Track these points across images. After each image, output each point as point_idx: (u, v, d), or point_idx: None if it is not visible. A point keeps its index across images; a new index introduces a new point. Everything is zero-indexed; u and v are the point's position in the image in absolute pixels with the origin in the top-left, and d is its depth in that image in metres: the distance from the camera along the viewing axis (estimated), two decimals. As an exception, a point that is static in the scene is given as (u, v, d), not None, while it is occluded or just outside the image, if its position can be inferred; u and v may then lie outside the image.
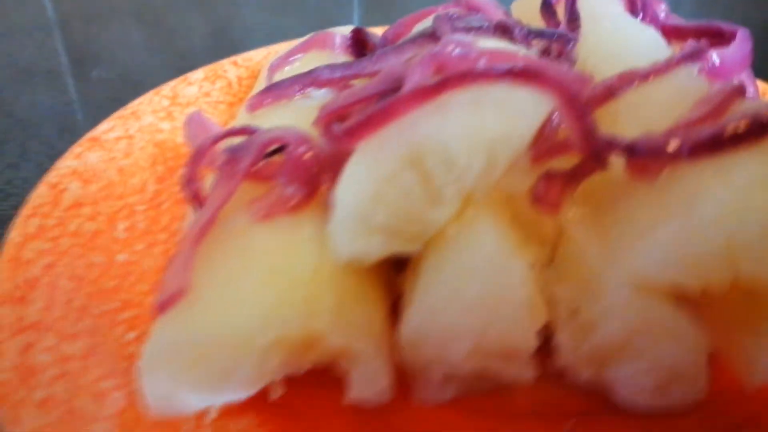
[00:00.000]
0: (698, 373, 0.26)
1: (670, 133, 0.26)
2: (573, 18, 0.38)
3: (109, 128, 0.41)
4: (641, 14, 0.40)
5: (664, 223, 0.23)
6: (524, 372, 0.26)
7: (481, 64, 0.25)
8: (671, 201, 0.24)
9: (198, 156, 0.31)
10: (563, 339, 0.26)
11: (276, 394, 0.26)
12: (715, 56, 0.35)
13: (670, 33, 0.39)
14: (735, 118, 0.25)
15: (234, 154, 0.29)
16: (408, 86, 0.24)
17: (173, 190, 0.39)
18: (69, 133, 0.55)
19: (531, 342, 0.25)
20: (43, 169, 0.37)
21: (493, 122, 0.23)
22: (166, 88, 0.46)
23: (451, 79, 0.24)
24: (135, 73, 0.68)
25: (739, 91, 0.28)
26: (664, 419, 0.27)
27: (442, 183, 0.24)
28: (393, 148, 0.24)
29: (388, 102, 0.23)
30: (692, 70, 0.31)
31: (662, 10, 0.41)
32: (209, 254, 0.27)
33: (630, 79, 0.31)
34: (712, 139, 0.25)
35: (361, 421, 0.27)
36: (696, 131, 0.25)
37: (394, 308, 0.28)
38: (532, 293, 0.25)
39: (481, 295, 0.24)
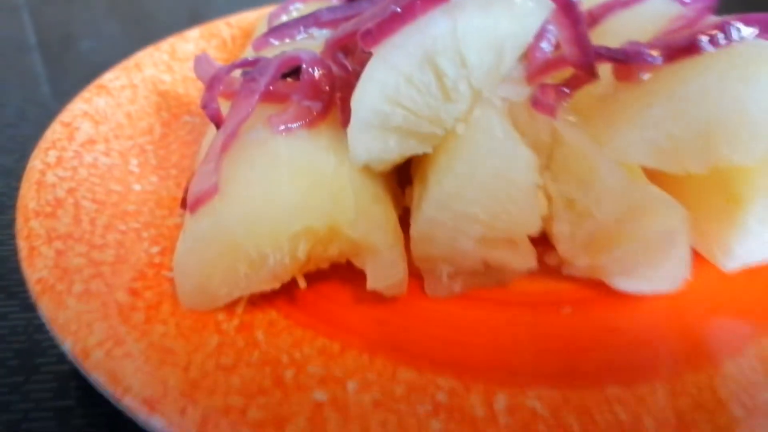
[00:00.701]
0: (683, 254, 0.29)
1: (652, 42, 0.29)
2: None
3: (114, 77, 0.43)
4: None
5: (648, 110, 0.26)
6: (526, 261, 0.29)
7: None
8: (653, 95, 0.27)
9: (215, 81, 0.33)
10: (561, 229, 0.29)
11: (302, 285, 0.28)
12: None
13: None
14: (706, 26, 0.29)
15: (253, 74, 0.31)
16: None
17: (180, 133, 0.41)
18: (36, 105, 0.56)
19: (536, 224, 0.28)
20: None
21: (501, 21, 0.26)
22: (165, 44, 0.47)
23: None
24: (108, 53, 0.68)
25: (708, 9, 0.31)
26: (653, 301, 0.29)
27: (454, 80, 0.27)
28: (408, 49, 0.26)
29: (402, 5, 0.26)
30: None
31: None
32: (235, 161, 0.29)
33: (611, 6, 0.34)
34: (688, 44, 0.28)
35: (378, 312, 0.29)
36: (673, 38, 0.28)
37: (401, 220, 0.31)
38: (537, 179, 0.27)
39: (491, 179, 0.26)
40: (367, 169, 0.29)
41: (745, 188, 0.29)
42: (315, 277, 0.29)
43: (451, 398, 0.25)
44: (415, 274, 0.30)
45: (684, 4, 0.35)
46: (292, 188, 0.27)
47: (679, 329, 0.28)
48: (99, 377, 0.22)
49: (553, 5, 0.27)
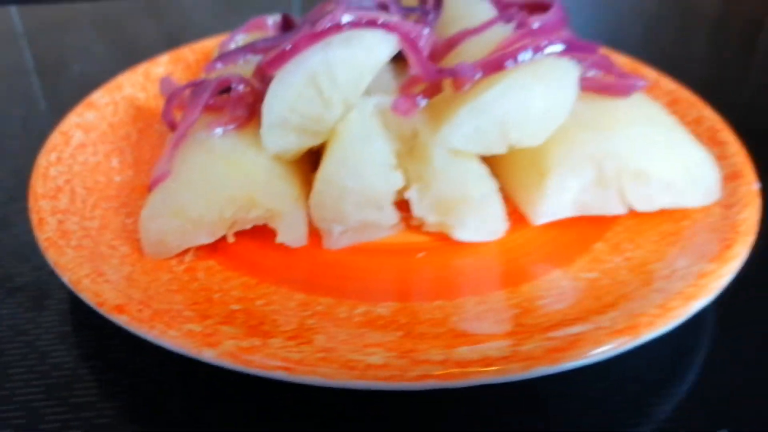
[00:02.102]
0: (498, 212, 0.40)
1: (479, 60, 0.41)
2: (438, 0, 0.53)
3: (100, 96, 0.55)
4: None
5: (462, 109, 0.38)
6: (390, 219, 0.41)
7: (352, 20, 0.39)
8: (467, 98, 0.39)
9: (172, 97, 0.45)
10: (413, 196, 0.40)
11: (231, 239, 0.40)
12: (536, 21, 0.51)
13: (513, 6, 0.54)
14: (517, 47, 0.40)
15: (198, 91, 0.43)
16: (304, 32, 0.38)
17: (151, 138, 0.53)
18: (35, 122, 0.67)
19: (392, 192, 0.39)
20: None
21: (357, 52, 0.38)
22: (141, 68, 0.59)
23: (333, 27, 0.38)
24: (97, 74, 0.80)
25: (524, 35, 0.43)
26: (484, 246, 0.41)
27: (330, 94, 0.39)
28: (298, 73, 0.38)
29: (292, 41, 0.38)
30: (504, 27, 0.46)
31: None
32: (182, 154, 0.41)
33: (465, 34, 0.46)
34: (497, 61, 0.40)
35: (287, 259, 0.41)
36: (490, 57, 0.40)
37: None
38: (390, 160, 0.39)
39: (358, 161, 0.38)
40: (278, 158, 0.41)
41: (545, 164, 0.41)
42: (242, 234, 0.41)
43: (327, 308, 0.36)
44: (317, 231, 0.42)
45: (522, 25, 0.48)
46: (221, 170, 0.39)
47: (497, 263, 0.40)
48: (86, 296, 0.34)
49: (395, 38, 0.39)
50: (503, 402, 0.34)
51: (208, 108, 0.43)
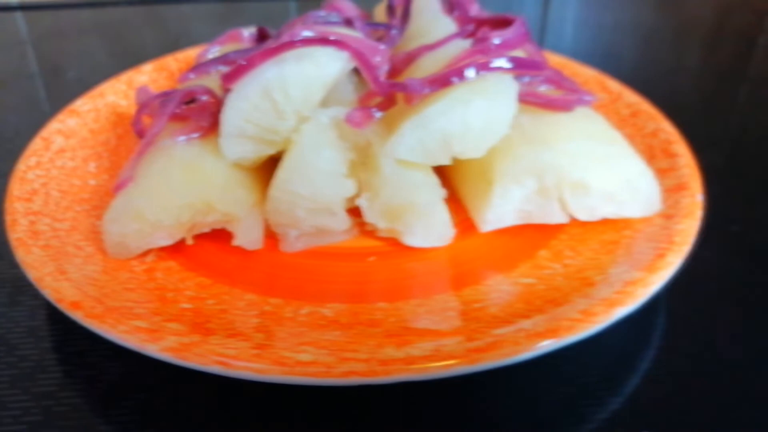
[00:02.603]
0: (444, 219, 0.42)
1: (424, 78, 0.43)
2: (405, 15, 0.56)
3: (83, 103, 0.57)
4: (456, 11, 0.57)
5: (407, 123, 0.40)
6: (342, 225, 0.43)
7: (306, 37, 0.42)
8: (413, 112, 0.41)
9: (142, 106, 0.47)
10: (363, 202, 0.42)
11: (189, 242, 0.42)
12: (496, 37, 0.53)
13: (475, 22, 0.56)
14: (465, 63, 0.42)
15: (165, 101, 0.46)
16: (260, 48, 0.41)
17: (129, 144, 0.55)
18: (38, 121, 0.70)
19: (343, 199, 0.41)
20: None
21: (309, 68, 0.40)
22: (124, 76, 0.62)
23: (287, 43, 0.41)
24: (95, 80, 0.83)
25: (475, 52, 0.45)
26: (432, 251, 0.43)
27: (283, 106, 0.41)
28: (253, 86, 0.40)
29: (248, 57, 0.40)
30: (460, 43, 0.48)
31: (474, 9, 0.58)
32: (147, 161, 0.43)
33: (423, 49, 0.48)
34: (443, 77, 0.42)
35: (244, 261, 0.43)
36: (436, 74, 0.42)
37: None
38: (341, 169, 0.41)
39: (309, 169, 0.40)
40: (238, 165, 0.44)
41: (491, 175, 0.42)
42: (204, 236, 0.44)
43: (274, 308, 0.38)
44: (276, 234, 0.44)
45: (481, 41, 0.49)
46: (179, 176, 0.41)
47: (443, 268, 0.42)
48: (47, 292, 0.37)
49: (346, 55, 0.41)
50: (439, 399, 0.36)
51: (175, 117, 0.45)
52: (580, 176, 0.41)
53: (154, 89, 0.60)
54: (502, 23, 0.56)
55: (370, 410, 0.36)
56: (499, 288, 0.40)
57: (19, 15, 1.07)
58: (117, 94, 0.60)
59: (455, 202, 0.47)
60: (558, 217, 0.43)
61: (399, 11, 0.56)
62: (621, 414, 0.36)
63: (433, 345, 0.33)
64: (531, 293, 0.39)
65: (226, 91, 0.45)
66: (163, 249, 0.43)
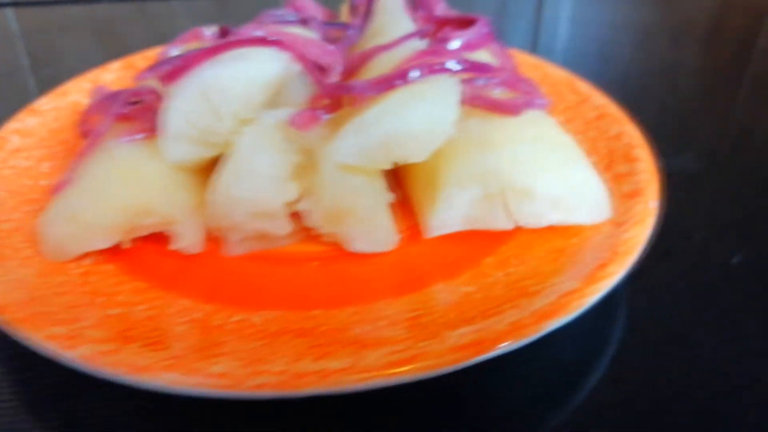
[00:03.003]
0: (387, 224, 0.41)
1: (369, 80, 0.42)
2: (367, 14, 0.55)
3: (46, 102, 0.57)
4: (420, 9, 0.56)
5: (347, 126, 0.39)
6: (284, 229, 0.42)
7: (249, 36, 0.41)
8: (354, 115, 0.40)
9: (90, 107, 0.47)
10: (305, 206, 0.42)
11: (127, 245, 0.42)
12: (457, 37, 0.51)
13: (437, 22, 0.55)
14: (410, 67, 0.41)
15: (110, 102, 0.45)
16: (199, 49, 0.40)
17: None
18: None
19: (282, 203, 0.41)
20: None
21: (248, 69, 0.39)
22: (90, 75, 0.62)
23: (225, 44, 0.40)
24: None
25: (426, 53, 0.44)
26: (377, 256, 0.42)
27: (221, 108, 0.40)
28: (191, 87, 0.40)
29: (185, 57, 0.40)
30: (415, 43, 0.47)
31: (440, 8, 0.57)
32: (88, 162, 0.43)
33: (377, 50, 0.47)
34: (386, 80, 0.41)
35: (184, 265, 0.42)
36: (381, 76, 0.41)
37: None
38: (283, 173, 0.40)
39: (247, 172, 0.40)
40: (180, 167, 0.43)
41: (436, 180, 0.41)
42: (146, 239, 0.43)
43: (205, 315, 0.38)
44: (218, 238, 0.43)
45: (441, 42, 0.48)
46: (117, 178, 0.41)
47: (385, 274, 0.41)
48: (-24, 295, 0.36)
49: (288, 56, 0.40)
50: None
51: (121, 118, 0.45)
52: (524, 182, 0.40)
53: (121, 87, 0.60)
54: (467, 23, 0.55)
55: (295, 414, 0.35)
56: (438, 297, 0.39)
57: (9, 11, 1.07)
58: (80, 92, 0.60)
59: (408, 207, 0.46)
60: (503, 224, 0.42)
61: (362, 10, 0.55)
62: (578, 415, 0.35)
63: (352, 358, 0.32)
64: (468, 302, 0.38)
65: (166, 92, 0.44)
66: (103, 252, 0.43)
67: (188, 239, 0.42)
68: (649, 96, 0.77)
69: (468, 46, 0.52)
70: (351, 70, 0.48)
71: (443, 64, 0.41)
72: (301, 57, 0.41)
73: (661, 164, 0.47)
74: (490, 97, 0.42)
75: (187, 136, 0.41)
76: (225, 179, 0.40)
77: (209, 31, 0.58)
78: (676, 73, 0.84)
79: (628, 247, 0.39)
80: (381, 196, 0.41)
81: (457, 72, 0.42)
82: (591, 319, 0.37)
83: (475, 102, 0.42)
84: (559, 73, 0.61)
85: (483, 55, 0.53)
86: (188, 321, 0.37)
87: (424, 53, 0.44)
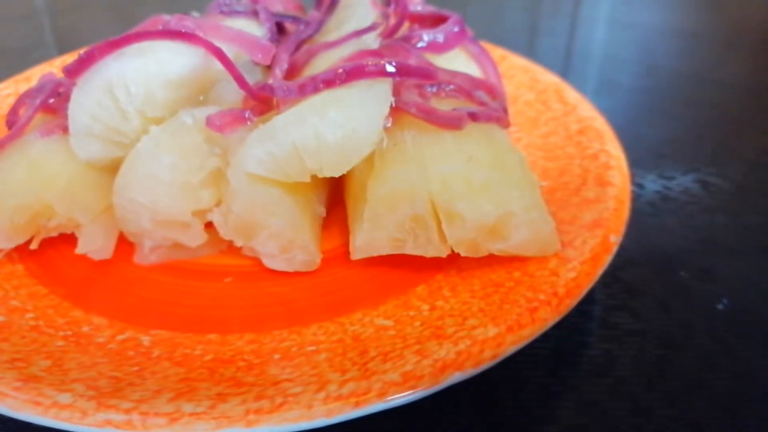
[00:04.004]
0: (308, 242, 0.37)
1: (292, 82, 0.38)
2: (331, 5, 0.50)
3: (4, 87, 0.55)
4: (392, 4, 0.51)
5: (256, 133, 0.35)
6: (196, 240, 0.39)
7: (157, 28, 0.37)
8: (267, 121, 0.36)
9: (19, 98, 0.44)
10: (215, 217, 0.38)
11: (34, 246, 0.39)
12: (425, 35, 0.47)
13: (413, 18, 0.50)
14: (337, 69, 0.37)
15: (35, 93, 0.43)
16: (105, 40, 0.37)
17: (40, 131, 0.53)
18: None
19: (188, 213, 0.37)
20: None
21: (150, 64, 0.36)
22: (59, 60, 0.60)
23: (130, 36, 0.36)
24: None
25: (367, 53, 0.39)
26: (297, 275, 0.38)
27: (126, 105, 0.37)
28: (95, 82, 0.37)
29: (90, 50, 0.36)
30: (362, 40, 0.42)
31: (415, 3, 0.52)
32: (4, 156, 0.40)
33: (322, 47, 0.43)
34: (301, 86, 0.36)
35: (90, 271, 0.39)
36: (305, 79, 0.37)
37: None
38: (191, 178, 0.37)
39: (143, 177, 0.36)
40: (94, 166, 0.40)
41: (365, 197, 0.37)
42: (59, 240, 0.40)
43: (92, 330, 0.35)
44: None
45: (407, 40, 0.44)
46: (20, 176, 0.38)
47: (299, 299, 0.37)
48: None
49: (199, 50, 0.37)
50: None
51: (46, 109, 0.42)
52: (453, 205, 0.35)
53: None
54: (440, 20, 0.50)
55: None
56: (349, 330, 0.35)
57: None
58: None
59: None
60: (436, 250, 0.37)
61: (326, 1, 0.51)
62: None
63: (211, 402, 0.28)
64: (376, 340, 0.33)
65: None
66: (16, 250, 0.40)
67: (93, 244, 0.39)
68: (694, 106, 0.69)
69: (433, 47, 0.47)
70: (296, 67, 0.44)
71: (382, 66, 0.37)
72: (217, 53, 0.37)
73: (634, 189, 0.41)
74: (430, 108, 0.38)
75: (96, 134, 0.38)
76: (123, 182, 0.37)
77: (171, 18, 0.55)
78: (724, 84, 0.76)
79: (569, 290, 0.34)
80: (301, 211, 0.37)
81: (387, 75, 0.37)
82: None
83: (414, 111, 0.37)
84: (549, 79, 0.55)
85: (459, 58, 0.48)
86: (72, 335, 0.34)
87: (364, 53, 0.39)
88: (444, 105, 0.40)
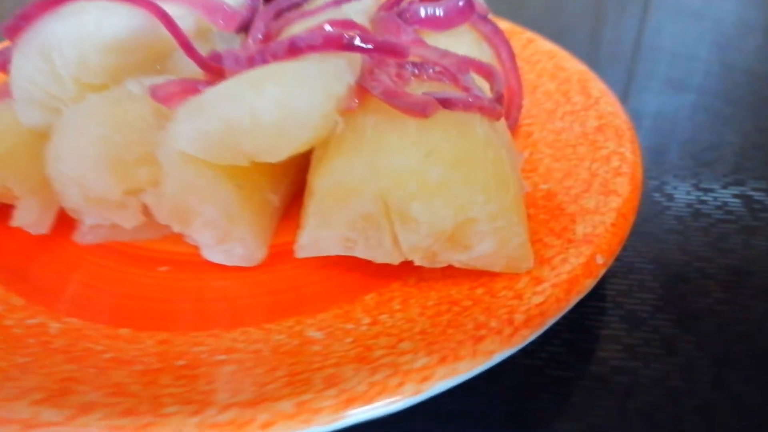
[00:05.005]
0: (246, 234, 0.33)
1: (246, 51, 0.33)
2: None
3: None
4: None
5: (188, 106, 0.31)
6: (132, 221, 0.35)
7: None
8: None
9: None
10: (149, 198, 0.34)
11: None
12: (429, 7, 0.41)
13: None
14: (292, 40, 0.32)
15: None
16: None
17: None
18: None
19: (117, 192, 0.34)
20: None
21: (85, 26, 0.32)
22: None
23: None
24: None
25: (336, 24, 0.34)
26: (235, 269, 0.34)
27: (60, 68, 0.33)
28: (33, 43, 0.34)
29: (26, 9, 0.33)
30: (341, 9, 0.37)
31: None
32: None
33: (298, 15, 0.39)
34: (260, 55, 0.32)
35: (25, 247, 0.37)
36: (267, 46, 0.32)
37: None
38: (124, 154, 0.33)
39: (71, 149, 0.33)
40: (37, 133, 0.37)
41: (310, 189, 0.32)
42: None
43: (5, 311, 0.32)
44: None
45: (401, 14, 0.39)
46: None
47: (233, 298, 0.33)
48: None
49: (141, 12, 0.33)
50: None
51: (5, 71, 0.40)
52: (405, 205, 0.30)
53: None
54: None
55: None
56: (272, 339, 0.30)
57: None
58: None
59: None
60: (385, 256, 0.32)
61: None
62: None
63: (72, 412, 0.25)
64: (292, 356, 0.29)
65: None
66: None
67: (27, 217, 0.36)
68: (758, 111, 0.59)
69: (432, 23, 0.41)
70: (270, 37, 0.39)
71: (338, 39, 0.32)
72: (159, 13, 0.33)
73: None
74: (395, 90, 0.32)
75: (36, 100, 0.35)
76: (51, 152, 0.34)
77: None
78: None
79: (529, 318, 0.28)
80: (241, 199, 0.33)
81: (354, 50, 0.32)
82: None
83: (377, 93, 0.32)
84: (575, 66, 0.48)
85: (465, 37, 0.43)
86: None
87: (333, 23, 0.34)
88: (424, 89, 0.34)
